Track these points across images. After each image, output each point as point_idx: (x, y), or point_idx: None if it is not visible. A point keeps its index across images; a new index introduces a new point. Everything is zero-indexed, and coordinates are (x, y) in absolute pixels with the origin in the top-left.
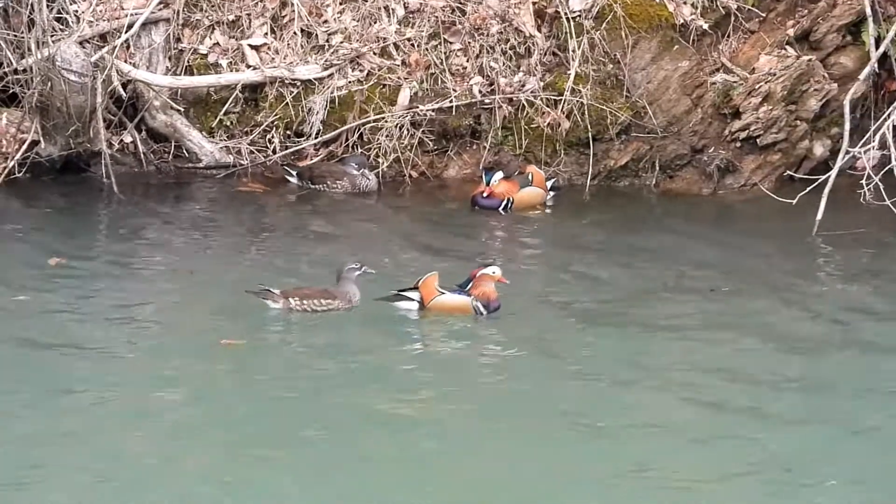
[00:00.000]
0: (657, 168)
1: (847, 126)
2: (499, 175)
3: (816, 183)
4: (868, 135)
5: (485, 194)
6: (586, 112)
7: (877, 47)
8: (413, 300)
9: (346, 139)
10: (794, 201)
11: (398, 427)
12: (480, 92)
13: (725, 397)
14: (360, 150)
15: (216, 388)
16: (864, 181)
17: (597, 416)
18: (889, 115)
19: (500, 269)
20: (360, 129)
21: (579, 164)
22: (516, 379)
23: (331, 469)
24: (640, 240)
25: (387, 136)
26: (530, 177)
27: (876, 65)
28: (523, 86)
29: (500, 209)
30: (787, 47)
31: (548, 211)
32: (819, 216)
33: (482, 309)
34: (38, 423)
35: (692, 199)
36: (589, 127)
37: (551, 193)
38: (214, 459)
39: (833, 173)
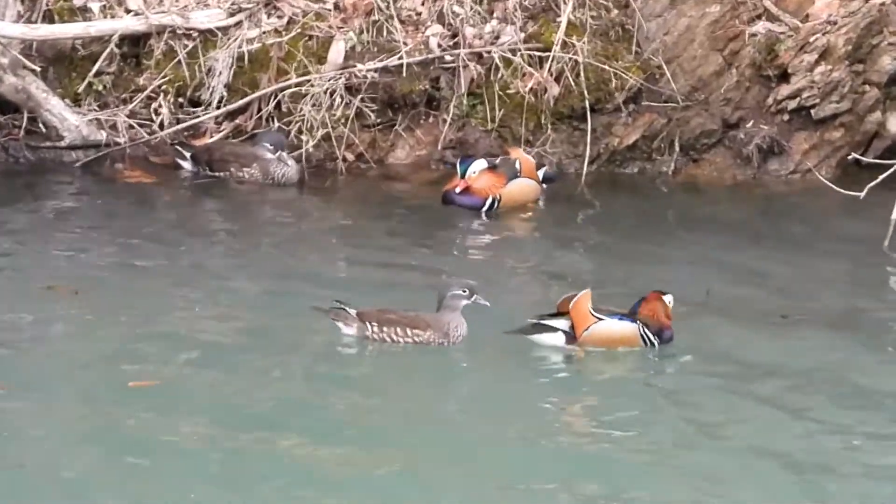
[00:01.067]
0: (677, 149)
1: None
2: (479, 164)
3: (892, 169)
4: None
5: (458, 189)
6: (582, 73)
7: None
8: (559, 329)
9: (259, 109)
10: (862, 194)
11: None
12: (440, 46)
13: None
14: (276, 125)
15: (127, 441)
16: None
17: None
18: None
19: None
20: (277, 96)
21: (572, 144)
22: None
23: None
24: (660, 247)
25: (313, 104)
26: (518, 164)
27: None
28: (497, 38)
29: (483, 211)
30: None
31: (541, 206)
32: (895, 216)
33: (653, 338)
34: None
35: (723, 192)
36: (586, 93)
37: (543, 186)
38: None
39: None
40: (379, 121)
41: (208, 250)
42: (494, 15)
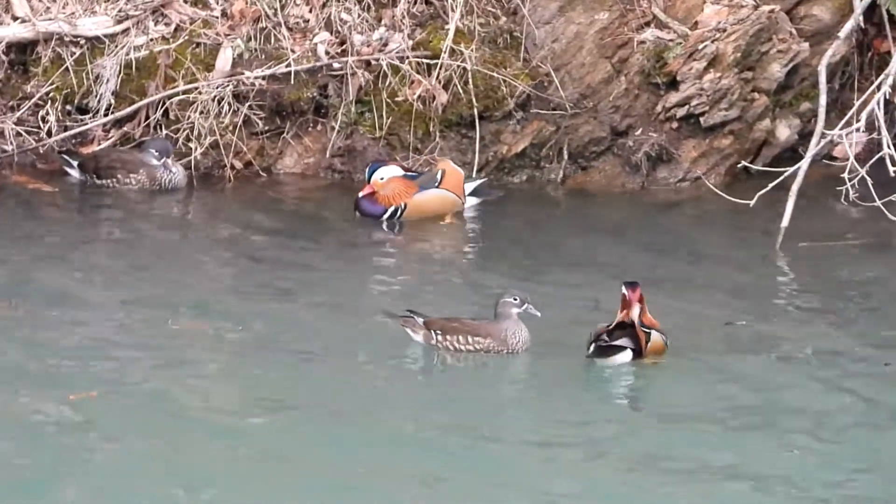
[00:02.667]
0: (565, 156)
1: (823, 100)
2: (390, 170)
3: (782, 177)
4: (851, 112)
5: (361, 194)
6: (471, 81)
7: None
8: (627, 348)
9: (147, 117)
10: (752, 202)
11: None
12: (328, 53)
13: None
14: (164, 132)
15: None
16: (845, 174)
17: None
18: (879, 86)
19: None
20: (164, 104)
21: (461, 151)
22: None
23: None
24: (551, 257)
25: (201, 112)
26: (439, 175)
27: (861, 18)
28: (385, 45)
29: (385, 219)
30: None
31: (466, 218)
32: (785, 222)
33: (667, 343)
34: None
35: (612, 199)
36: (474, 101)
37: (473, 200)
38: None
39: (804, 164)
40: (267, 128)
41: (78, 264)
42: (382, 22)
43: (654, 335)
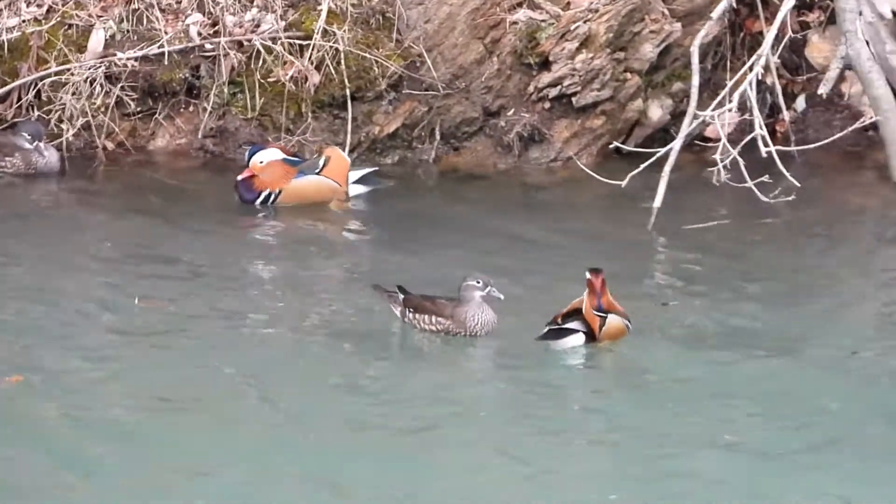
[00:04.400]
0: (438, 137)
1: (695, 81)
2: (270, 154)
3: (654, 158)
4: (723, 93)
5: (240, 178)
6: (343, 61)
7: None
8: (579, 331)
9: (19, 98)
10: (624, 182)
11: None
12: (200, 34)
13: None
14: (36, 114)
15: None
16: (717, 155)
17: None
18: (751, 66)
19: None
20: (37, 85)
21: (332, 132)
22: None
23: None
24: (422, 239)
25: (73, 93)
26: (322, 162)
27: None
28: (258, 26)
29: (257, 204)
30: None
31: (351, 205)
32: (657, 203)
33: (630, 326)
34: None
35: (485, 180)
36: (347, 82)
37: (360, 189)
38: None
39: (676, 144)
40: (139, 109)
41: None
42: (255, 3)
43: (614, 319)
